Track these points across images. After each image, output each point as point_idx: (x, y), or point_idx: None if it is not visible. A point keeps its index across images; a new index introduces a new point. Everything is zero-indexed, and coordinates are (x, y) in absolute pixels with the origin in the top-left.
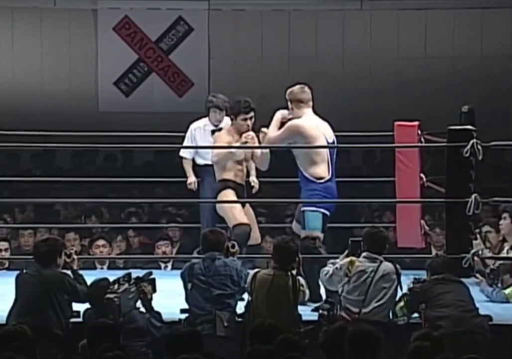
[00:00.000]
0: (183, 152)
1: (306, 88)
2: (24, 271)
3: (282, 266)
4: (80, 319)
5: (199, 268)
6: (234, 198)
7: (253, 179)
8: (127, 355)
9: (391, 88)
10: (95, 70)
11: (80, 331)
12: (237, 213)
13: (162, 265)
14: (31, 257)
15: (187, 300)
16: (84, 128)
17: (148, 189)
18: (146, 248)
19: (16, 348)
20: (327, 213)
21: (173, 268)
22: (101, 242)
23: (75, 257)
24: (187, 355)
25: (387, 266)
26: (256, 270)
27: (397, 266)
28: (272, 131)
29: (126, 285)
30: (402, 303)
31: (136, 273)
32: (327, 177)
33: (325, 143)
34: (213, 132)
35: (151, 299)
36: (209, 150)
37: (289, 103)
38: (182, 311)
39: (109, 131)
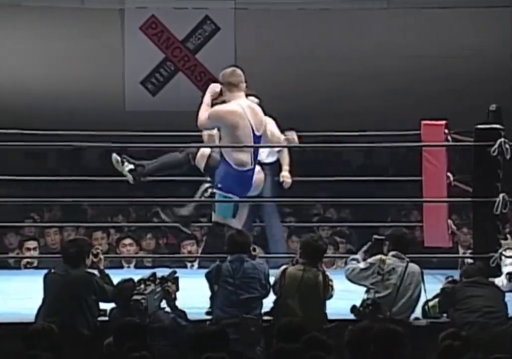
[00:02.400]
0: None
1: (238, 71)
2: (52, 270)
3: (311, 262)
4: (106, 318)
5: (227, 270)
6: None
7: (283, 174)
8: (153, 355)
9: (417, 86)
10: (122, 70)
11: (106, 330)
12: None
13: (188, 264)
14: (59, 255)
15: (211, 302)
16: (111, 128)
17: (173, 188)
18: (173, 247)
19: (43, 347)
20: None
21: (199, 267)
22: (128, 241)
23: (102, 256)
24: (213, 354)
25: (414, 267)
26: (285, 266)
27: (422, 269)
28: (203, 113)
29: (152, 286)
30: (433, 302)
31: (162, 272)
32: (249, 167)
33: (250, 132)
34: None
35: (175, 298)
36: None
37: (221, 86)
38: (207, 313)
39: (136, 130)
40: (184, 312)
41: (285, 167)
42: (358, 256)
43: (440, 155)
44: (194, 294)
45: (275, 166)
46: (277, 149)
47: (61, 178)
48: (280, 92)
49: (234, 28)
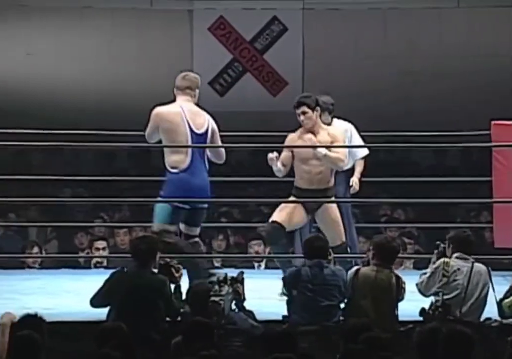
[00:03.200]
0: None
1: (189, 76)
2: (125, 269)
3: (384, 263)
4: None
5: (306, 275)
6: (292, 206)
7: (354, 179)
8: (225, 355)
9: (487, 86)
10: (190, 70)
11: (175, 329)
12: (275, 213)
13: (256, 265)
14: (128, 255)
15: (288, 306)
16: None
17: (240, 188)
18: (240, 247)
19: (113, 345)
20: (179, 205)
21: (266, 267)
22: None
23: (182, 272)
24: (280, 355)
25: (480, 267)
26: (357, 267)
27: (489, 268)
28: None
29: (226, 287)
30: (509, 301)
31: (227, 272)
32: (182, 167)
33: (186, 131)
34: None
35: (244, 299)
36: None
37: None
38: (284, 317)
39: None
40: (252, 312)
41: (357, 174)
42: (429, 270)
43: (511, 155)
44: (261, 295)
45: (351, 173)
46: (362, 156)
47: (130, 178)
48: (348, 92)
49: (302, 29)
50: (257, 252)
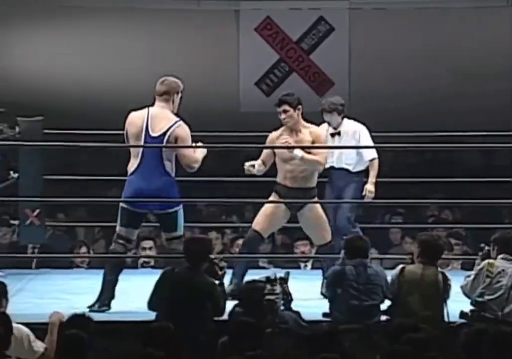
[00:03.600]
0: None
1: (167, 81)
2: (175, 270)
3: (430, 261)
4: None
5: (351, 274)
6: (273, 205)
7: (367, 187)
8: (273, 355)
9: None
10: (237, 71)
11: (222, 329)
12: (259, 218)
13: (302, 265)
14: (175, 255)
15: (331, 304)
16: (226, 129)
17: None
18: (287, 247)
19: (159, 345)
20: (126, 207)
21: (312, 267)
22: (241, 241)
23: (226, 270)
24: (327, 354)
25: None
26: (402, 265)
27: None
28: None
29: (278, 286)
30: None
31: (274, 272)
32: (131, 170)
33: (141, 132)
34: (332, 135)
35: (292, 299)
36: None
37: None
38: (325, 315)
39: (250, 131)
40: (298, 313)
41: (371, 179)
42: (473, 272)
43: None
44: (307, 295)
45: (364, 175)
46: (367, 159)
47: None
48: (394, 92)
49: (348, 28)
50: (303, 252)
